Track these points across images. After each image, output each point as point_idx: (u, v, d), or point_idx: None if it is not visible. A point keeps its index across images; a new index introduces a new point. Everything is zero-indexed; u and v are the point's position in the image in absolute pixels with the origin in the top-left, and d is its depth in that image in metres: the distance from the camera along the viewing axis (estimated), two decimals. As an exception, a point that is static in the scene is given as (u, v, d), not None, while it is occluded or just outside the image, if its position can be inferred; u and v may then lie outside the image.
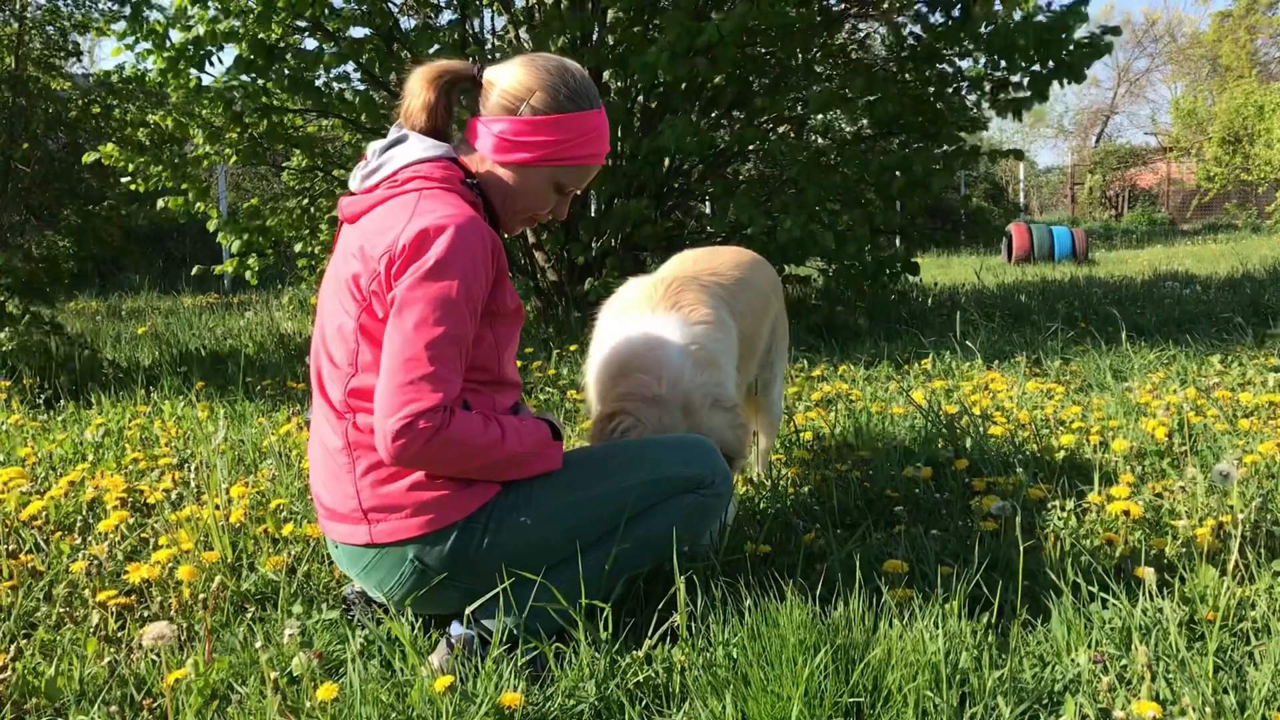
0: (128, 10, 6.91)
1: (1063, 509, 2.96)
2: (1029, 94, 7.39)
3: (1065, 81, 7.16)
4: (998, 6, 7.13)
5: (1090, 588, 2.36)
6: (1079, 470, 3.39)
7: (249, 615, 2.54)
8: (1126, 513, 2.71)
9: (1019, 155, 9.10)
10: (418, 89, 2.28)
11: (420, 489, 2.14)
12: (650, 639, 2.20)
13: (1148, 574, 2.32)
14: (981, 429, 3.83)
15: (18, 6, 6.95)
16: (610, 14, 7.41)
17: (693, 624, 2.21)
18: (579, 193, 2.44)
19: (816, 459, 3.66)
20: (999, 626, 2.23)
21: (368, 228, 2.19)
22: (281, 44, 7.24)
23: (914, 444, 3.80)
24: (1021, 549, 2.30)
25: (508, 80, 2.25)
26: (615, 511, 2.28)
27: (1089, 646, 2.14)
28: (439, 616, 2.39)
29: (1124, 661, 2.10)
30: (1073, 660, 2.11)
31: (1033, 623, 2.28)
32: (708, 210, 9.75)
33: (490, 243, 2.15)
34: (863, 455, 3.63)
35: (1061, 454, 3.55)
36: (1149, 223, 27.87)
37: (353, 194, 2.32)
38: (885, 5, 7.68)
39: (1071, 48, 6.96)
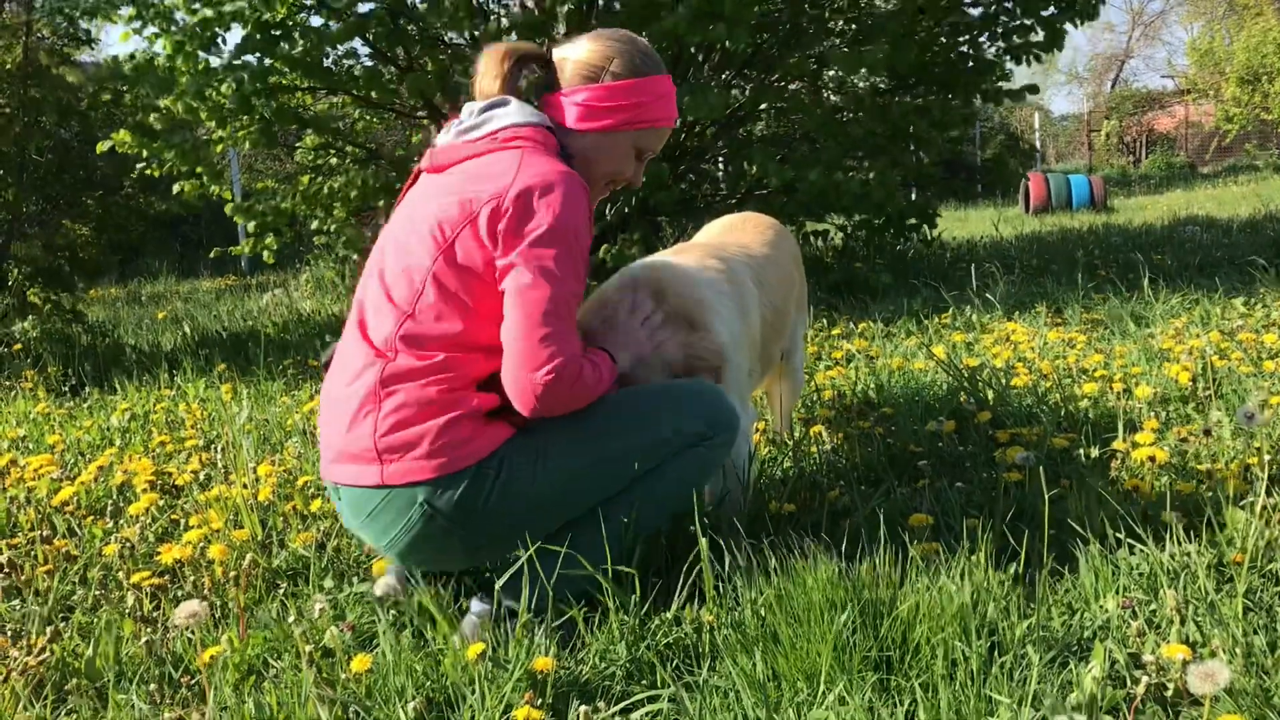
0: None
1: (1087, 457, 2.95)
2: (1043, 38, 7.30)
3: (1079, 22, 7.08)
4: None
5: (1117, 534, 2.35)
6: (1103, 418, 3.37)
7: (281, 591, 2.57)
8: (1152, 458, 2.70)
9: (1034, 90, 8.98)
10: (488, 67, 2.37)
11: (440, 433, 2.13)
12: (678, 600, 2.22)
13: (1174, 519, 2.31)
14: (1004, 381, 3.82)
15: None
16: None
17: (720, 584, 2.22)
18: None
19: (839, 417, 3.65)
20: (1026, 576, 2.23)
21: (468, 173, 2.23)
22: (289, 23, 7.21)
23: (936, 398, 3.79)
24: (1047, 498, 2.30)
25: (583, 53, 2.35)
26: (623, 471, 2.28)
27: (1117, 593, 2.14)
28: (465, 587, 2.41)
29: (1153, 606, 2.10)
30: (1101, 607, 2.11)
31: (1060, 571, 2.28)
32: (721, 172, 9.70)
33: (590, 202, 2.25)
34: (885, 411, 3.62)
35: (1085, 403, 3.54)
36: (1167, 167, 27.55)
37: (438, 147, 2.36)
38: None
39: None
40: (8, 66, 6.46)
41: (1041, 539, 2.30)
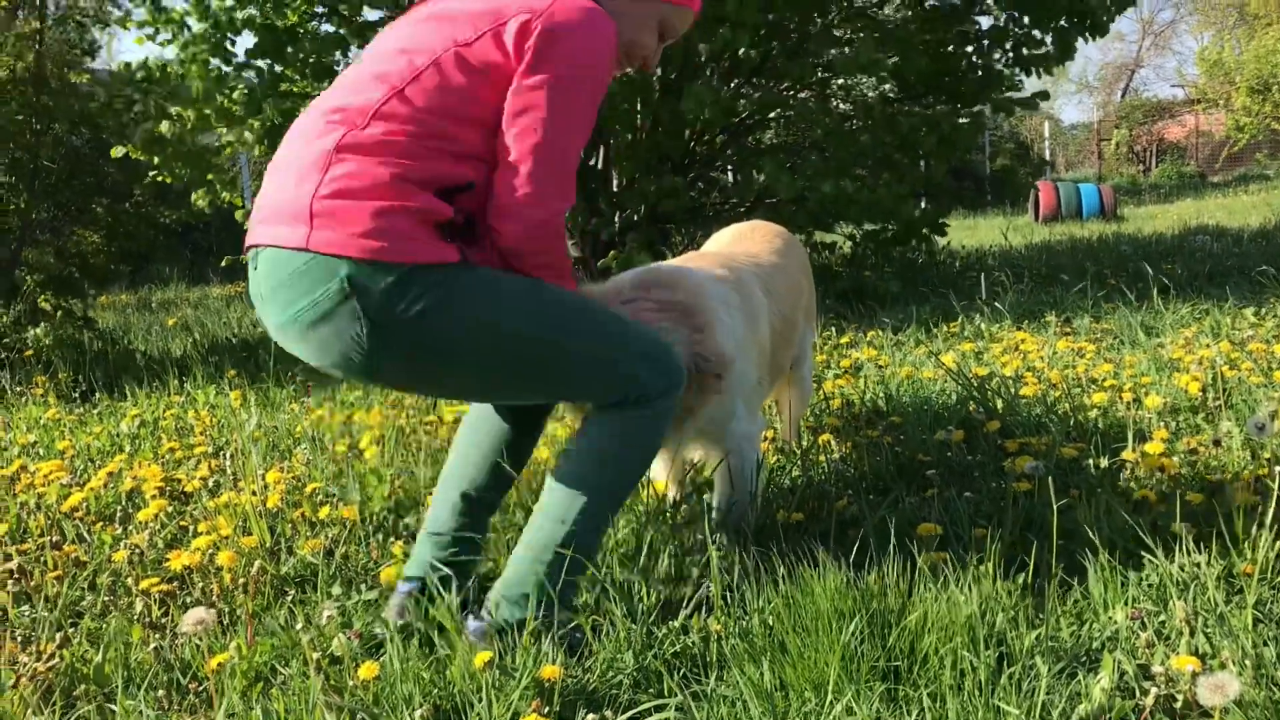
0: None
1: (1096, 467, 2.94)
2: (1053, 50, 7.29)
3: (1090, 36, 7.07)
4: None
5: (1126, 545, 2.35)
6: (1113, 428, 3.37)
7: (289, 598, 2.57)
8: (1161, 469, 2.69)
9: (1045, 97, 8.97)
10: None
11: (381, 214, 1.98)
12: (685, 609, 2.21)
13: (1184, 529, 2.31)
14: (1013, 390, 3.81)
15: (38, 4, 6.99)
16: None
17: (728, 593, 2.22)
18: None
19: (847, 426, 3.65)
20: (1035, 586, 2.23)
21: None
22: (299, 30, 7.25)
23: (945, 408, 3.78)
24: (1055, 508, 2.29)
25: None
26: (565, 370, 2.17)
27: (1126, 604, 2.14)
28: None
29: (1162, 617, 2.09)
30: (1110, 618, 2.10)
31: (1069, 582, 2.27)
32: (730, 180, 9.71)
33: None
34: (894, 420, 3.62)
35: (1094, 412, 3.53)
36: (1178, 176, 27.48)
37: None
38: None
39: (1094, 3, 6.86)
40: (20, 73, 6.49)
41: (1050, 549, 2.29)
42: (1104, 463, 2.96)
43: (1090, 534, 2.38)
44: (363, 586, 2.57)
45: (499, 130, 2.09)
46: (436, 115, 2.05)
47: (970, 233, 13.55)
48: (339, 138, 2.03)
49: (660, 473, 2.92)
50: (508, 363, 2.11)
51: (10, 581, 2.67)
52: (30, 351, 6.20)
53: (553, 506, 2.21)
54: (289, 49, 7.09)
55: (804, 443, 3.46)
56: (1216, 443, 3.00)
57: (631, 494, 2.34)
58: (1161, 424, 3.34)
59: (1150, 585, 2.21)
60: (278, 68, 7.27)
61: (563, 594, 2.17)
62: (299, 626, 2.27)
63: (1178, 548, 2.27)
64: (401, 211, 1.99)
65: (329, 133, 2.05)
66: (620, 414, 2.21)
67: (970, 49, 7.77)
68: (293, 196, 2.03)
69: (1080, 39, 7.11)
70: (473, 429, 2.48)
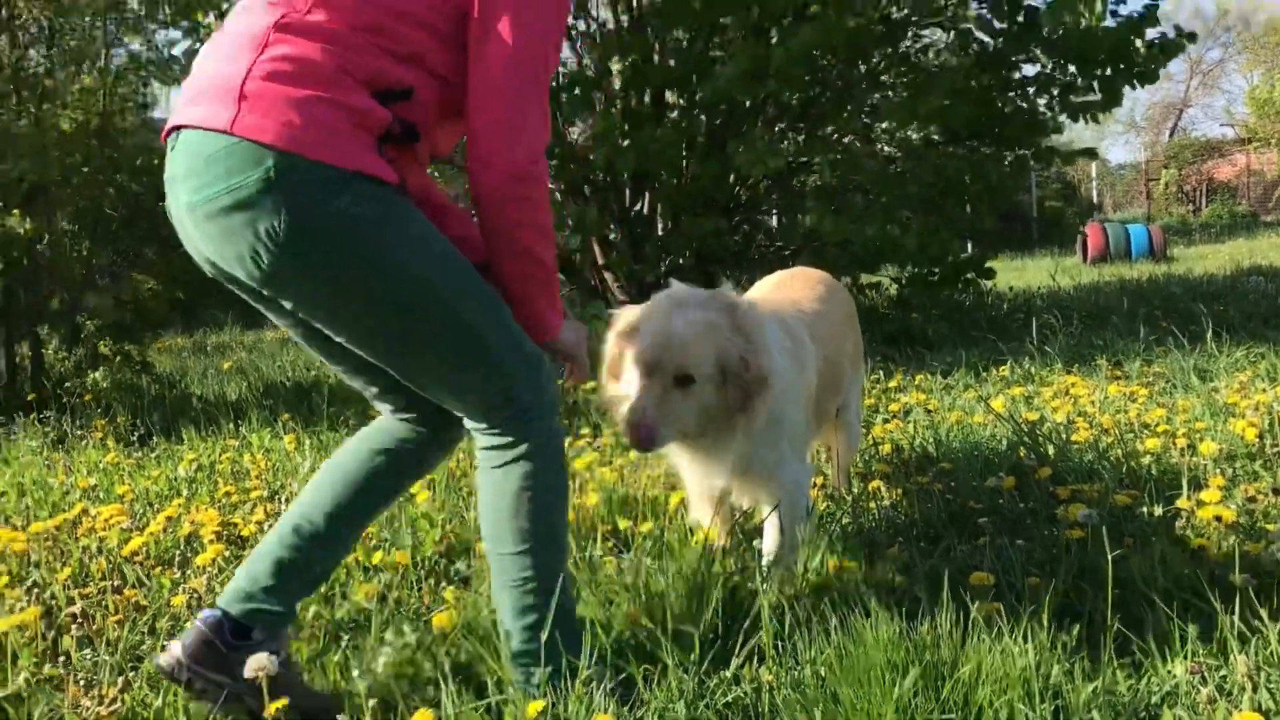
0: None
1: (1151, 515, 2.91)
2: (1100, 98, 7.28)
3: (1136, 85, 7.06)
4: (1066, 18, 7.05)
5: (1184, 596, 2.32)
6: (1167, 475, 3.33)
7: (343, 643, 2.60)
8: (1218, 518, 2.66)
9: (1092, 154, 8.95)
10: None
11: (324, 107, 1.85)
12: (737, 658, 2.21)
13: (1243, 580, 2.28)
14: (1064, 435, 3.78)
15: (100, 60, 7.22)
16: (671, 35, 7.47)
17: (779, 643, 2.22)
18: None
19: (896, 472, 3.64)
20: (1090, 638, 2.21)
21: None
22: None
23: (995, 453, 3.76)
24: (1110, 558, 2.27)
25: None
26: (451, 338, 2.01)
27: (1185, 657, 2.11)
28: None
29: (1223, 672, 2.06)
30: (1169, 671, 2.08)
31: (1126, 634, 2.24)
32: (774, 222, 9.75)
33: None
34: (944, 467, 3.60)
35: (1148, 458, 3.49)
36: (1229, 216, 27.14)
37: None
38: (950, 13, 7.61)
39: (1143, 51, 6.85)
40: (86, 126, 6.69)
41: (1105, 599, 2.27)
42: (1159, 511, 2.93)
43: (1146, 585, 2.35)
44: (406, 628, 2.58)
45: (450, 42, 1.99)
46: (381, 9, 1.93)
47: (1018, 274, 13.46)
48: (278, 17, 1.90)
49: (708, 518, 2.93)
50: (404, 311, 1.96)
51: (74, 625, 2.73)
52: (90, 395, 6.33)
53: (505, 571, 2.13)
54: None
55: (854, 489, 3.46)
56: (1276, 491, 2.96)
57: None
58: (1217, 471, 3.30)
59: (1210, 638, 2.18)
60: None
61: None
62: (355, 673, 2.29)
63: (1238, 599, 2.24)
64: (341, 108, 1.87)
65: (268, 14, 1.91)
66: (507, 468, 2.09)
67: (1015, 94, 7.77)
68: (223, 74, 1.90)
69: (1128, 86, 7.09)
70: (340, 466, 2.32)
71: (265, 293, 1.96)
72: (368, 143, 1.89)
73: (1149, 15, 6.85)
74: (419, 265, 1.95)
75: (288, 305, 1.99)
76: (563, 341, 2.24)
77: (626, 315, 2.63)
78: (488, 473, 2.12)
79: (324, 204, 1.84)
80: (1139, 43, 6.81)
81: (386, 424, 2.31)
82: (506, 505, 2.08)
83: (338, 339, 2.02)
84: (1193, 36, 7.11)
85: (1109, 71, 7.06)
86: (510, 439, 2.08)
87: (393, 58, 1.94)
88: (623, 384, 2.57)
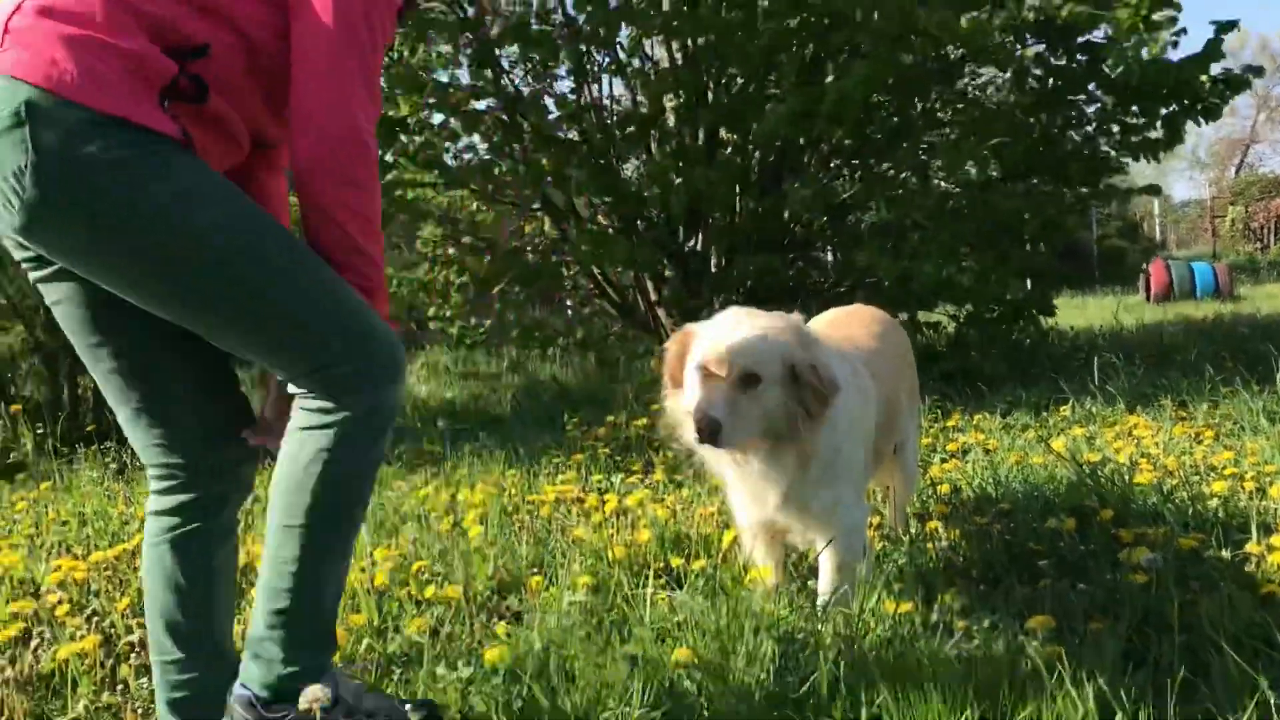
0: None
1: (1218, 560, 2.83)
2: (1161, 135, 7.20)
3: (1201, 121, 6.97)
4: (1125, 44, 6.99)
5: (1254, 643, 2.24)
6: (1234, 519, 3.24)
7: (395, 677, 2.60)
8: (1289, 563, 2.58)
9: (1155, 191, 8.82)
10: None
11: (88, 49, 1.73)
12: (793, 699, 2.18)
13: (1317, 628, 2.20)
14: (1127, 477, 3.70)
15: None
16: (726, 72, 7.51)
17: (837, 685, 2.18)
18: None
19: (955, 512, 3.58)
20: (1155, 685, 2.14)
21: None
22: (409, 120, 7.54)
23: (1056, 494, 3.69)
24: (1176, 603, 2.21)
25: None
26: (249, 295, 1.87)
27: (1256, 705, 2.04)
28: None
29: (1295, 722, 1.99)
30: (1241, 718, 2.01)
31: (1193, 681, 2.18)
32: (830, 258, 9.72)
33: None
34: (1003, 507, 3.54)
35: (1214, 502, 3.40)
36: (1298, 254, 26.60)
37: None
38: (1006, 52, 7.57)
39: (1208, 86, 6.77)
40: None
41: (1170, 645, 2.21)
42: (1226, 555, 2.85)
43: (1214, 630, 2.28)
44: (460, 663, 2.57)
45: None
46: None
47: (1079, 312, 13.27)
48: None
49: (760, 555, 2.90)
50: (171, 263, 1.82)
51: (132, 654, 2.76)
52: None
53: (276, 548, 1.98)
54: (401, 139, 7.37)
55: (911, 529, 3.41)
56: (1349, 536, 2.87)
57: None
58: (1288, 515, 3.20)
59: (1281, 687, 2.11)
60: (388, 157, 7.55)
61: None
62: (408, 707, 2.29)
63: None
64: (113, 51, 1.75)
65: None
66: (311, 431, 1.95)
67: (1074, 133, 7.69)
68: None
69: (1192, 122, 7.00)
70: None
71: (34, 250, 1.87)
72: (140, 91, 1.76)
73: (1213, 48, 6.75)
74: (185, 217, 1.80)
75: (58, 264, 1.88)
76: None
77: (688, 327, 2.64)
78: (292, 434, 1.98)
79: (72, 147, 1.72)
80: (1204, 78, 6.71)
81: (158, 521, 2.13)
82: (296, 473, 1.95)
83: (120, 294, 1.87)
84: (1260, 71, 6.99)
85: (1172, 108, 6.97)
86: (322, 404, 1.93)
87: (189, 6, 1.83)
88: (685, 393, 2.56)
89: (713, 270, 7.80)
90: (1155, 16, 6.61)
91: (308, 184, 1.88)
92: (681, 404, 2.58)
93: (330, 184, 1.88)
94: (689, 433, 2.46)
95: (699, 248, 7.76)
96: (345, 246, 1.93)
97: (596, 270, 8.07)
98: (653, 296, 8.00)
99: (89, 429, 6.25)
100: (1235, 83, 6.86)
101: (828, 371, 2.50)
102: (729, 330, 2.50)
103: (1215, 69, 6.84)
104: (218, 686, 2.03)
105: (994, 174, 8.17)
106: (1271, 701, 2.06)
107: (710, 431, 2.37)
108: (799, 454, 2.57)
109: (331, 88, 1.84)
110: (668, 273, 7.84)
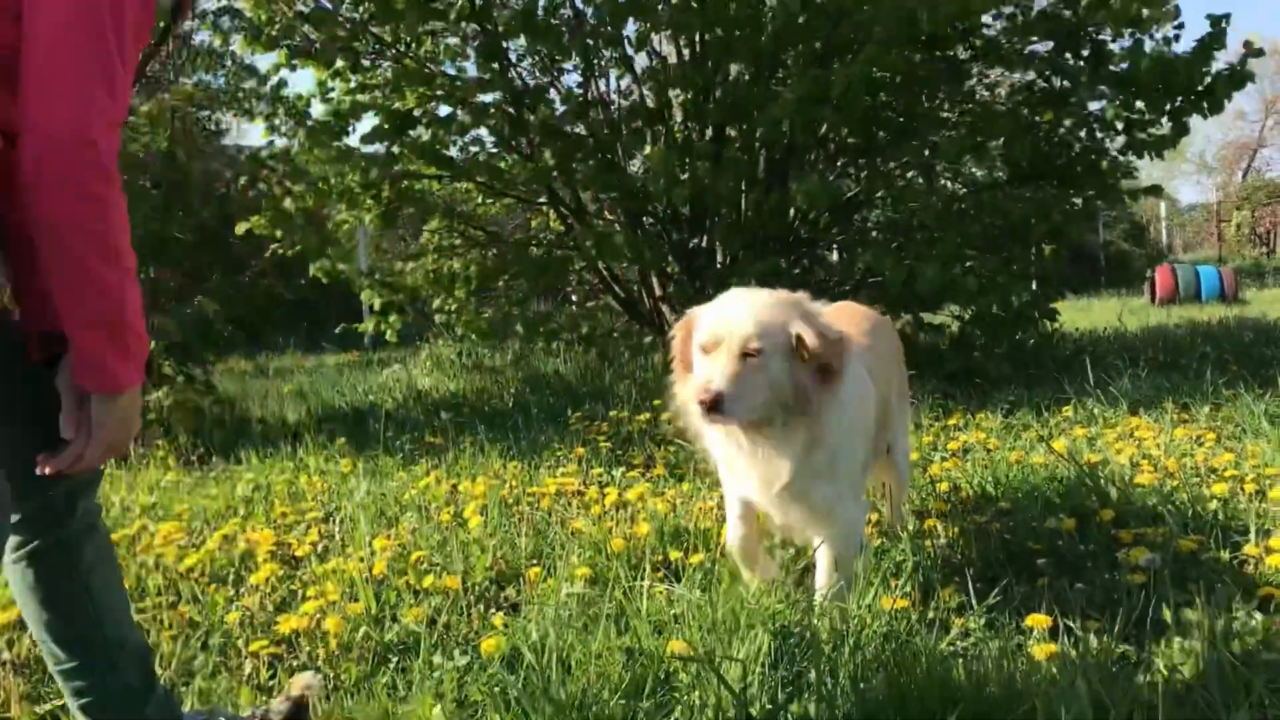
0: (267, 89, 7.38)
1: (1217, 561, 2.83)
2: (1167, 131, 7.19)
3: (1206, 113, 6.98)
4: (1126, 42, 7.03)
5: (1250, 644, 2.24)
6: (1234, 520, 3.24)
7: (392, 665, 2.61)
8: (1288, 565, 2.58)
9: (1157, 191, 8.80)
10: None
11: None
12: (782, 692, 2.18)
13: (1314, 630, 2.20)
14: (1127, 478, 3.69)
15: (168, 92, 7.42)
16: (733, 69, 7.49)
17: (829, 679, 2.18)
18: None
19: (954, 510, 3.58)
20: (1152, 685, 2.14)
21: None
22: (416, 112, 7.54)
23: (1057, 494, 3.68)
24: (1173, 603, 2.21)
25: None
26: None
27: (1250, 706, 2.04)
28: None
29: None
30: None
31: (1188, 682, 2.18)
32: (835, 258, 9.70)
33: None
34: (1003, 506, 3.54)
35: (1214, 504, 3.40)
36: (1304, 259, 26.52)
37: None
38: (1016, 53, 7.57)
39: (1210, 78, 6.79)
40: (162, 149, 6.86)
41: (1167, 646, 2.21)
42: (1225, 556, 2.85)
43: (1210, 632, 2.28)
44: (456, 652, 2.57)
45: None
46: None
47: (1083, 314, 13.24)
48: None
49: (744, 546, 2.86)
50: None
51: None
52: (153, 415, 6.44)
53: None
54: (407, 132, 7.36)
55: (910, 527, 3.40)
56: (1348, 539, 2.87)
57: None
58: (1288, 518, 3.20)
59: (1276, 689, 2.10)
60: (395, 149, 7.55)
61: None
62: (401, 694, 2.29)
63: (1307, 650, 2.17)
64: None
65: None
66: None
67: (1079, 132, 7.69)
68: None
69: (1197, 115, 7.01)
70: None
71: None
72: None
73: (1216, 34, 6.79)
74: None
75: None
76: (119, 407, 1.71)
77: (691, 311, 2.67)
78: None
79: None
80: (1206, 71, 6.77)
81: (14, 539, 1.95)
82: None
83: None
84: (1260, 51, 7.00)
85: (1178, 103, 6.99)
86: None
87: None
88: (694, 374, 2.56)
89: (718, 267, 7.79)
90: (1148, 11, 6.70)
91: (39, 194, 1.55)
92: (690, 382, 2.57)
93: (65, 200, 1.55)
94: (695, 411, 2.45)
95: (704, 245, 7.75)
96: (84, 275, 1.60)
97: (602, 266, 8.07)
98: (657, 293, 7.99)
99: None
100: (1239, 76, 6.88)
101: (834, 330, 2.50)
102: (729, 307, 2.52)
103: (1219, 64, 6.88)
104: (125, 682, 1.99)
105: (1000, 176, 8.16)
106: (1266, 703, 2.06)
107: (714, 403, 2.37)
108: (809, 433, 2.55)
109: (71, 81, 1.55)
110: (673, 269, 7.84)
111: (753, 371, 2.43)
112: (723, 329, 2.45)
